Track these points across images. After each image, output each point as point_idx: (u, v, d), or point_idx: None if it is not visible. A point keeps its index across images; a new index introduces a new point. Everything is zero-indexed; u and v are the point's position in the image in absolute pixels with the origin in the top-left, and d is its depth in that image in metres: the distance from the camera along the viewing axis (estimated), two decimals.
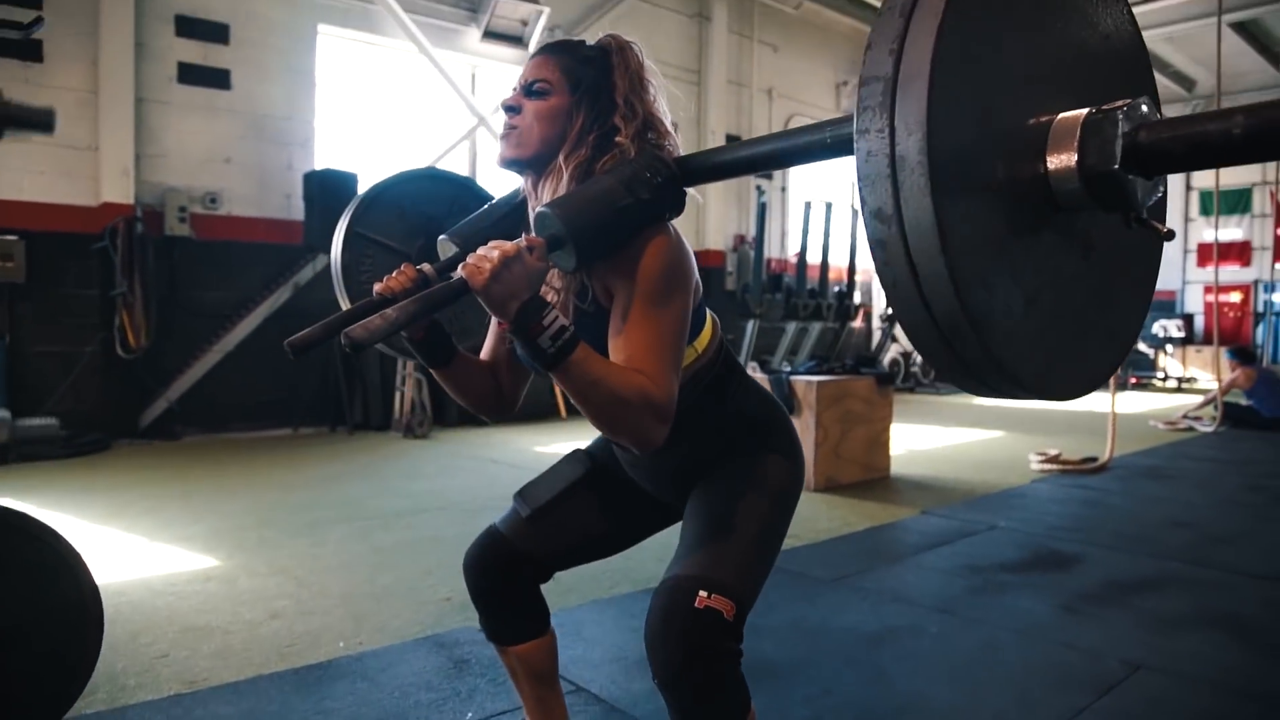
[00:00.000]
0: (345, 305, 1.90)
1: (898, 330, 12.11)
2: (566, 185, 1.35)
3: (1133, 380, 13.93)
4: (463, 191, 2.04)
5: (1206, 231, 16.53)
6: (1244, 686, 2.36)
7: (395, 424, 7.37)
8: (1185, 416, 8.54)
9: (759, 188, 11.36)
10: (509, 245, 1.18)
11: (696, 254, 7.87)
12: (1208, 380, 14.47)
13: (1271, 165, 13.58)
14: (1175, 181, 16.89)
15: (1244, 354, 8.78)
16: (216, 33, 7.30)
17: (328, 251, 7.12)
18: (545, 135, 1.38)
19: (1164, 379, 14.70)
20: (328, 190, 7.17)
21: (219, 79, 7.34)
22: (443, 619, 2.81)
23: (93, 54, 6.66)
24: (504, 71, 9.11)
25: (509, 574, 1.61)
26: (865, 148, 0.86)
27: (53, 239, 6.54)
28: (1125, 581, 3.27)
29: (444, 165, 8.58)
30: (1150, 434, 7.82)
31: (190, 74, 7.20)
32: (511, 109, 1.40)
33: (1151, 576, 3.35)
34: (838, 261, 10.94)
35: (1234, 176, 15.47)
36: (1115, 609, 2.98)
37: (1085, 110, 0.93)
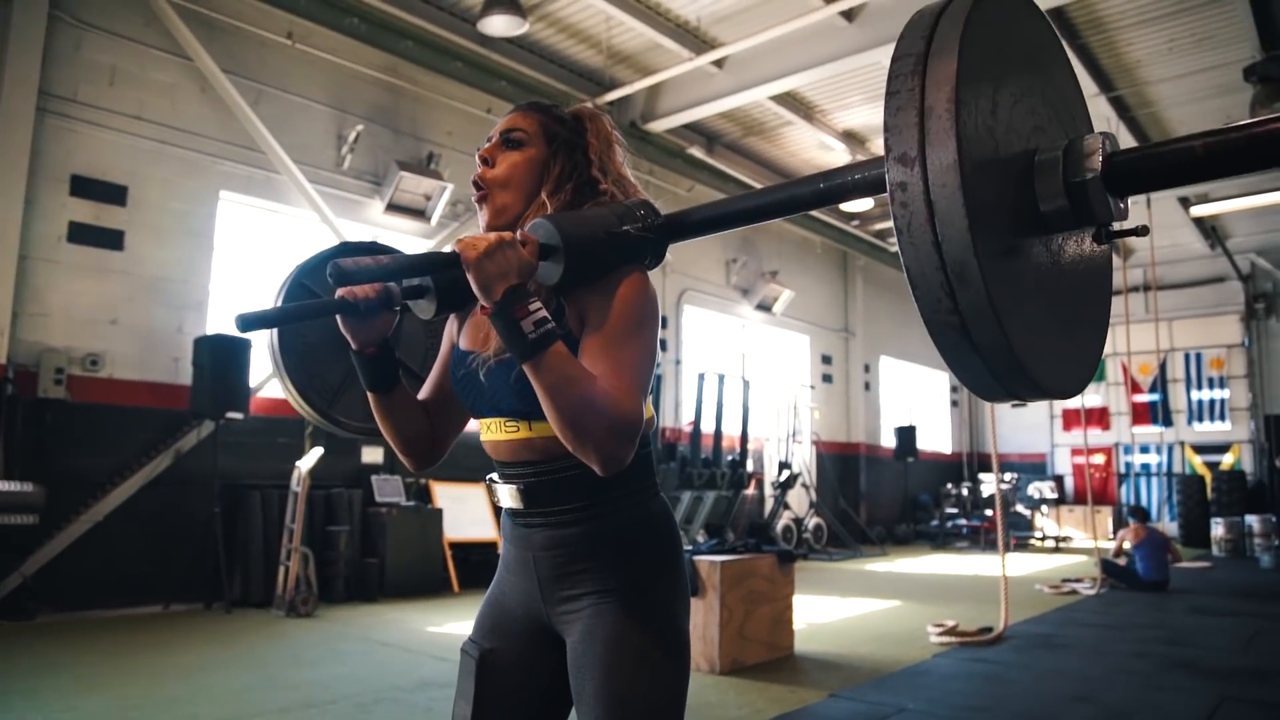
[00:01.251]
0: (275, 353, 1.73)
1: (789, 497, 12.32)
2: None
3: (1013, 541, 14.44)
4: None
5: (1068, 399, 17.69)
6: None
7: (277, 600, 6.91)
8: (1066, 580, 8.88)
9: None
10: (505, 234, 1.19)
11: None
12: (1082, 539, 15.14)
13: (1121, 339, 14.84)
14: None
15: (1140, 513, 9.40)
16: (113, 194, 7.20)
17: (215, 418, 6.93)
18: (523, 185, 1.39)
19: (1042, 538, 15.30)
20: (219, 355, 6.96)
21: (112, 240, 7.18)
22: None
23: None
24: (405, 242, 9.23)
25: None
26: (895, 105, 0.97)
27: None
28: None
29: None
30: (1036, 599, 8.04)
31: (81, 234, 7.02)
32: (485, 160, 1.41)
33: None
34: (730, 430, 11.17)
35: None
36: None
37: (1065, 141, 1.08)
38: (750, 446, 11.53)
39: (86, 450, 6.89)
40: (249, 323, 1.21)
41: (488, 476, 1.47)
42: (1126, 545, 8.83)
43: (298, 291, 1.75)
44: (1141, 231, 1.11)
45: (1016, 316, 0.99)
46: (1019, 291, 1.02)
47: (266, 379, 7.83)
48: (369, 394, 1.44)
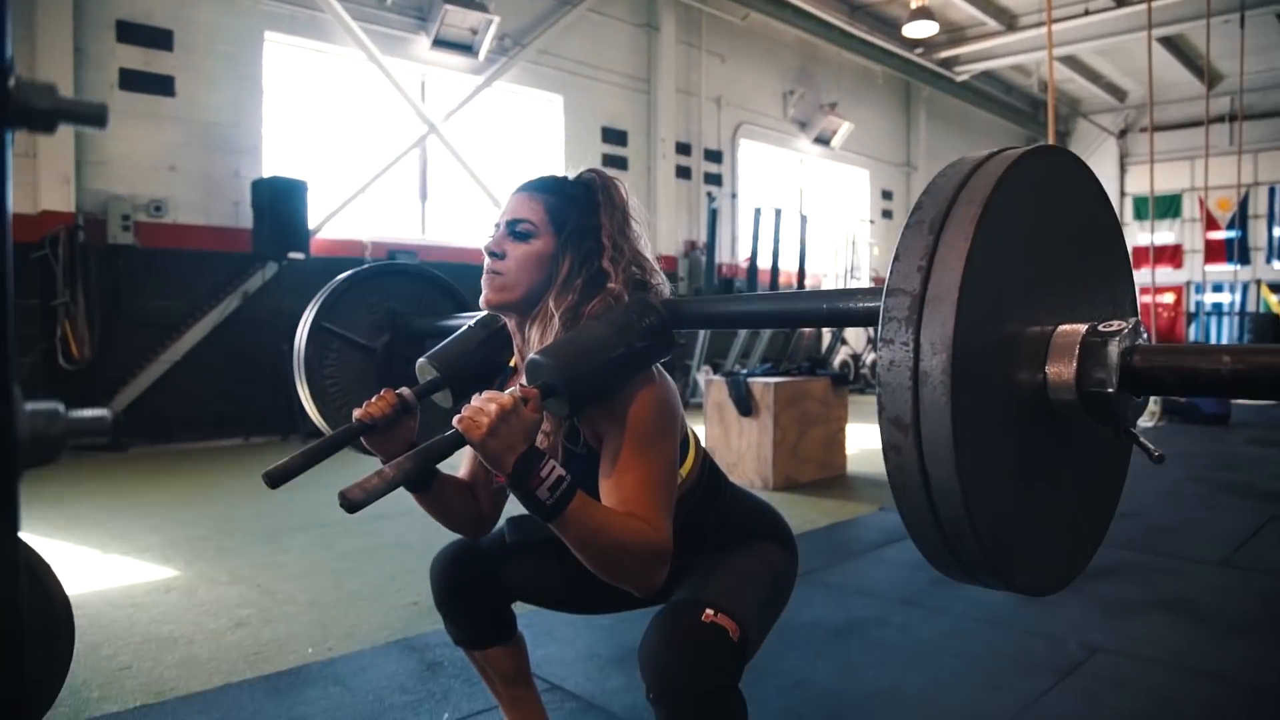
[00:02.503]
0: (306, 398, 1.90)
1: (847, 333, 12.31)
2: (556, 331, 1.34)
3: None
4: (428, 286, 2.05)
5: (1141, 235, 17.08)
6: (1196, 664, 2.46)
7: None
8: None
9: (710, 194, 11.46)
10: (505, 398, 1.17)
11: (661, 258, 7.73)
12: None
13: (1199, 172, 14.11)
14: (1109, 186, 17.42)
15: None
16: (160, 39, 7.16)
17: (278, 259, 7.12)
18: (531, 280, 1.37)
19: None
20: (277, 197, 7.07)
21: (163, 85, 7.20)
22: (412, 623, 2.79)
23: (29, 60, 6.48)
24: (453, 79, 9.07)
25: (478, 584, 1.61)
26: (889, 357, 0.90)
27: None
28: None
29: (394, 173, 8.53)
30: None
31: (133, 80, 7.05)
32: (494, 254, 1.38)
33: (1104, 565, 3.45)
34: (788, 266, 11.08)
35: (1165, 182, 15.99)
36: (1072, 596, 3.06)
37: (1084, 327, 0.99)
38: (807, 282, 11.45)
39: (159, 294, 7.15)
40: (275, 479, 1.26)
41: None
42: None
43: (319, 334, 1.84)
44: (1158, 460, 1.06)
45: (1015, 556, 0.98)
46: (1019, 527, 0.99)
47: (326, 219, 7.96)
48: (412, 494, 1.46)
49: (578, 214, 1.38)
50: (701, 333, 9.72)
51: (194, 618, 2.84)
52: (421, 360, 1.53)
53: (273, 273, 7.43)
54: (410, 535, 3.89)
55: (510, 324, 1.45)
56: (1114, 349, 0.95)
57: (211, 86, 7.45)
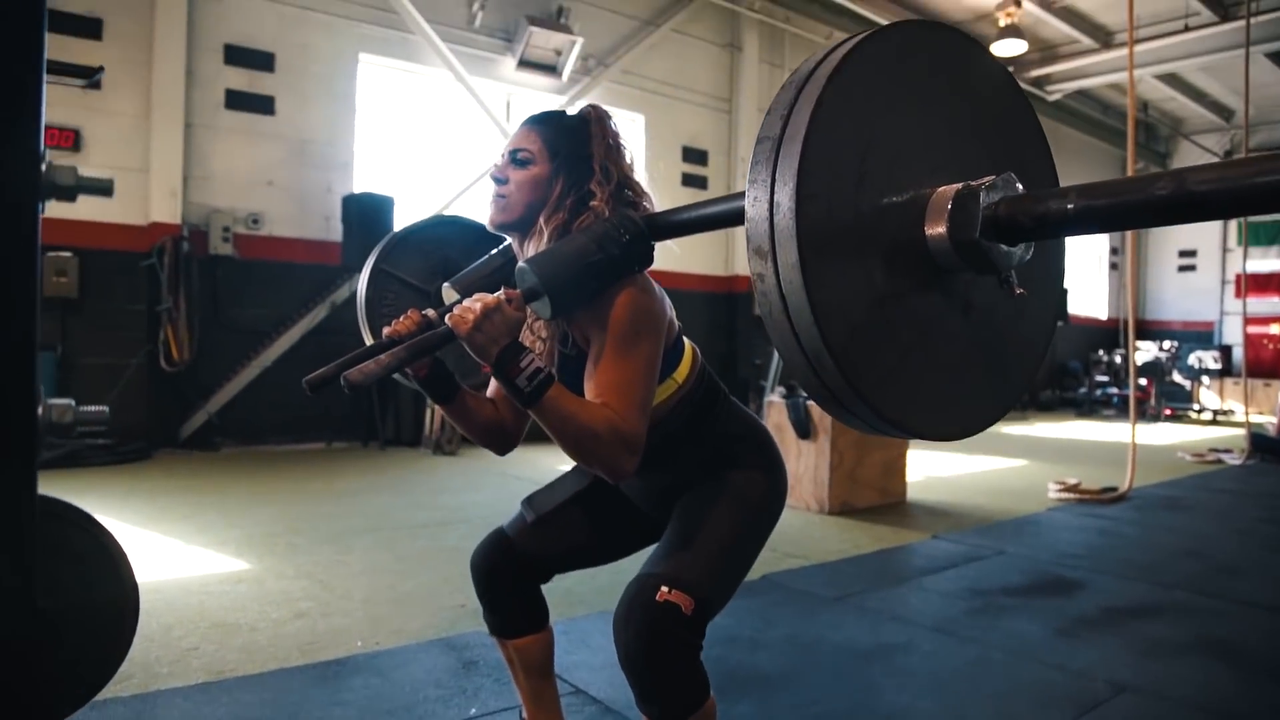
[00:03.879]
0: (367, 334, 2.08)
1: None
2: (546, 244, 1.50)
3: (1167, 411, 13.78)
4: (478, 237, 2.21)
5: (1247, 263, 16.36)
6: (1226, 709, 2.42)
7: (425, 440, 7.56)
8: (1212, 450, 8.51)
9: None
10: (490, 298, 1.35)
11: (726, 279, 8.06)
12: (1243, 414, 14.26)
13: None
14: None
15: None
16: (263, 61, 7.62)
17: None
18: (528, 201, 1.54)
19: (1199, 411, 14.50)
20: (365, 213, 7.42)
21: (264, 105, 7.65)
22: (456, 623, 2.95)
23: (146, 81, 6.99)
24: (537, 98, 9.35)
25: (511, 572, 1.76)
26: (752, 194, 1.01)
27: (104, 256, 6.85)
28: (1125, 608, 3.33)
29: (477, 189, 8.82)
30: (1175, 465, 7.78)
31: (237, 100, 7.52)
32: (498, 179, 1.56)
33: (1152, 604, 3.40)
34: None
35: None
36: (1110, 634, 3.04)
37: (958, 185, 1.07)
38: None
39: (254, 302, 7.58)
40: (315, 386, 1.44)
41: None
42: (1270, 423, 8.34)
43: (379, 278, 1.98)
44: (1018, 296, 1.11)
45: (884, 386, 1.04)
46: (889, 358, 1.06)
47: None
48: (437, 406, 1.64)
49: (571, 142, 1.55)
50: (775, 357, 9.75)
51: (259, 607, 3.06)
52: (446, 284, 1.69)
53: None
54: (469, 541, 4.07)
55: (514, 244, 1.63)
56: (980, 202, 1.04)
57: (308, 105, 7.88)
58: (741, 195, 1.44)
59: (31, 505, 0.58)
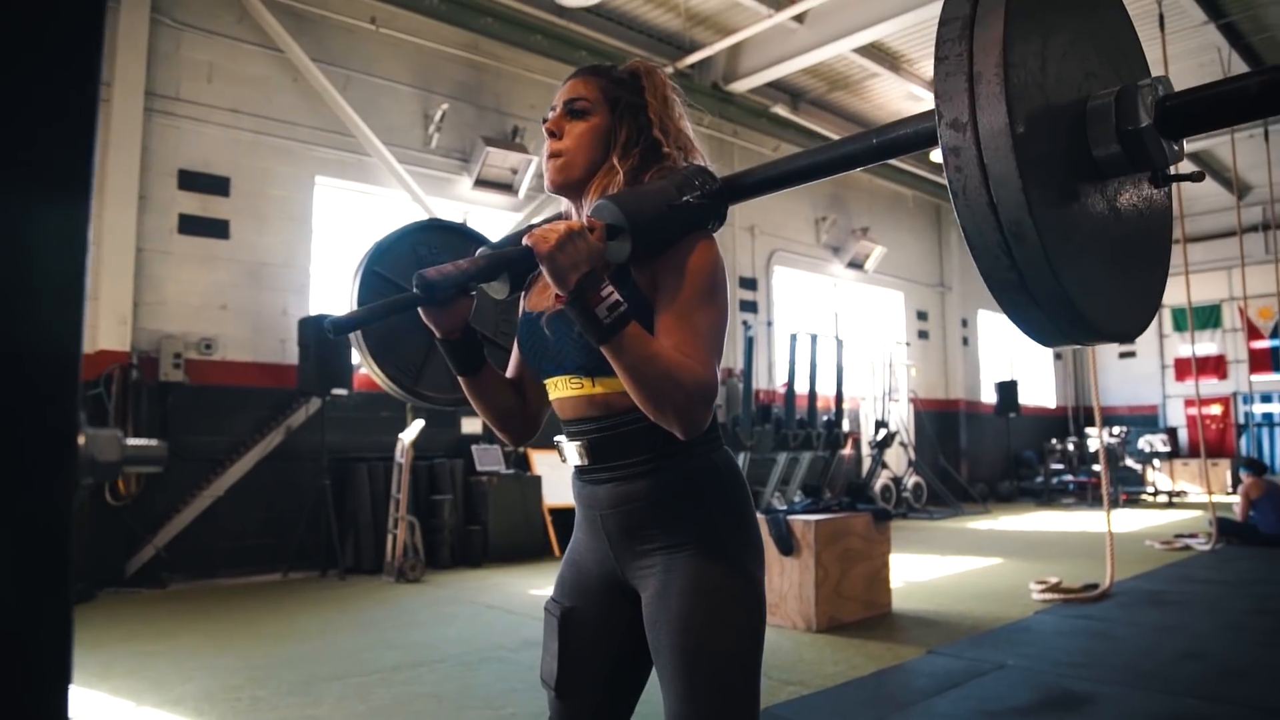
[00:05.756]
0: (356, 340, 1.88)
1: (887, 456, 12.16)
2: (617, 187, 1.39)
3: (1123, 497, 13.93)
4: (472, 242, 2.12)
5: (1182, 347, 16.92)
6: None
7: (387, 567, 7.24)
8: (1179, 536, 8.56)
9: (745, 323, 11.59)
10: (574, 222, 1.24)
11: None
12: (1197, 493, 14.48)
13: (1237, 282, 14.05)
14: None
15: (1256, 465, 9.04)
16: (217, 185, 7.56)
17: (322, 395, 7.26)
18: (591, 157, 1.43)
19: (1154, 494, 14.70)
20: (322, 335, 7.28)
21: (218, 229, 7.55)
22: None
23: (97, 206, 6.84)
24: (494, 215, 9.41)
25: None
26: (944, 71, 0.98)
27: None
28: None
29: None
30: (1147, 555, 7.78)
31: (191, 224, 7.41)
32: (553, 133, 1.45)
33: (1168, 716, 3.29)
34: (825, 390, 11.07)
35: (1202, 293, 15.89)
36: None
37: (1119, 85, 1.06)
38: (846, 406, 11.41)
39: (205, 428, 7.31)
40: (340, 327, 1.30)
41: (555, 438, 1.51)
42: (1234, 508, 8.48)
43: (371, 279, 1.88)
44: (1197, 177, 1.09)
45: (1073, 267, 0.99)
46: (1075, 241, 1.01)
47: None
48: (459, 378, 1.50)
49: (629, 93, 1.45)
50: (741, 460, 9.68)
51: None
52: (482, 249, 1.51)
53: (316, 408, 7.58)
54: (446, 687, 3.82)
55: (569, 203, 1.50)
56: (1150, 94, 1.02)
57: (264, 229, 7.80)
58: (825, 148, 1.39)
59: (65, 559, 0.45)
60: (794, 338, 10.72)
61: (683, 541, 1.36)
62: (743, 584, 1.36)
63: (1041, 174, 0.96)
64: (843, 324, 12.75)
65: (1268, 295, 13.82)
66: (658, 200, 1.31)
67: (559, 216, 1.55)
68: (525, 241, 1.25)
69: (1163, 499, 14.39)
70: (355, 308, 1.88)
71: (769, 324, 12.17)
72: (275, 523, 7.43)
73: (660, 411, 1.25)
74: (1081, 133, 1.05)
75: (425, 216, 8.43)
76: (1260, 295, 14.70)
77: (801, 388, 10.69)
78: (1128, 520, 11.01)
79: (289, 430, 7.61)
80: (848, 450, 11.88)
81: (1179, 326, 17.30)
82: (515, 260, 1.31)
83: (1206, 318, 17.22)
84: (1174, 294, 15.76)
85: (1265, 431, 16.98)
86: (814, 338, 10.84)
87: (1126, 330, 1.11)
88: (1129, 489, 14.58)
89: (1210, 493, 8.51)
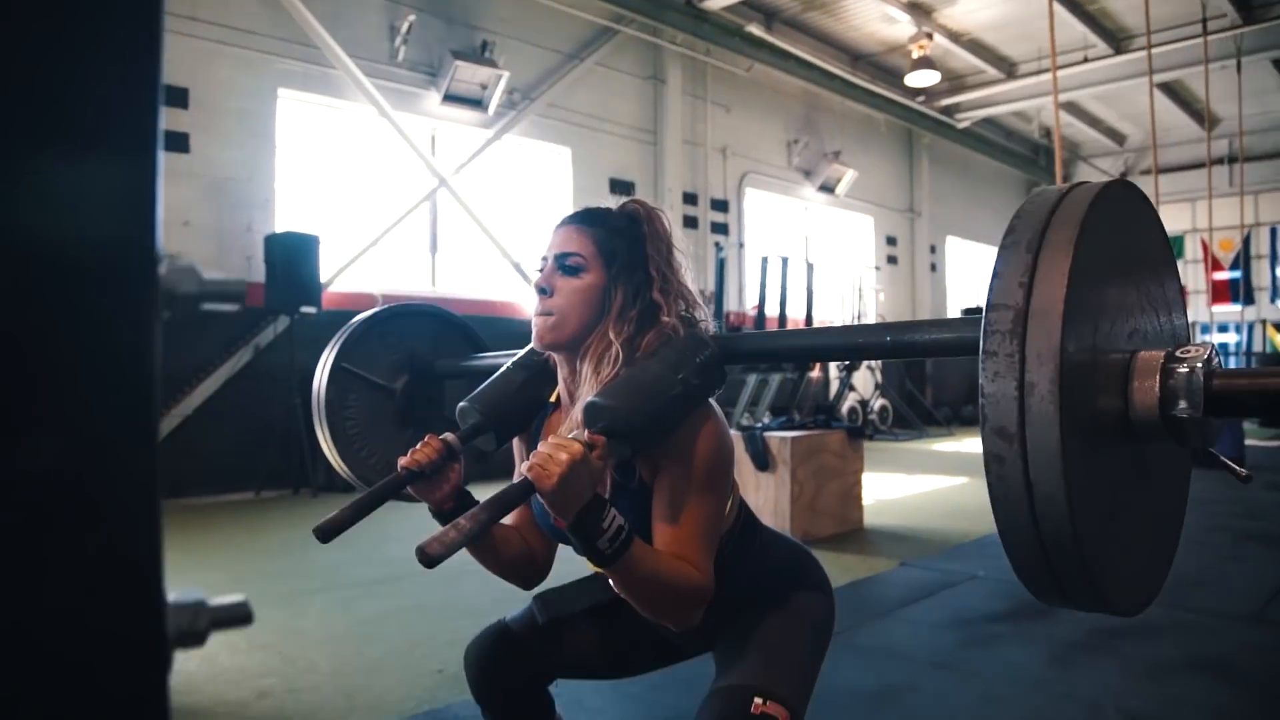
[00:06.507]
0: (324, 436, 1.90)
1: (854, 379, 12.30)
2: (613, 362, 1.32)
3: None
4: (445, 326, 2.07)
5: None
6: None
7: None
8: None
9: (717, 244, 11.53)
10: (575, 446, 1.16)
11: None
12: None
13: (1202, 212, 14.24)
14: None
15: None
16: (175, 97, 7.27)
17: (290, 313, 7.14)
18: (584, 317, 1.35)
19: None
20: (289, 252, 7.12)
21: (178, 142, 7.29)
22: (437, 692, 2.75)
23: None
24: (463, 133, 9.19)
25: (514, 671, 1.57)
26: (993, 369, 0.92)
27: None
28: (1109, 627, 3.32)
29: (404, 226, 8.60)
30: None
31: None
32: (543, 290, 1.36)
33: (1132, 622, 3.40)
34: (795, 313, 11.11)
35: (1166, 224, 16.03)
36: (1105, 657, 3.03)
37: (1162, 352, 1.01)
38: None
39: (171, 348, 7.11)
40: (327, 534, 1.27)
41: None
42: None
43: (339, 376, 1.86)
44: (1246, 480, 1.08)
45: (1112, 572, 0.98)
46: (1112, 538, 1.00)
47: (338, 273, 8.02)
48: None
49: (626, 246, 1.37)
50: (750, 380, 9.76)
51: (216, 688, 2.80)
52: (463, 404, 1.50)
53: (284, 326, 7.46)
54: (429, 597, 3.85)
55: (559, 360, 1.43)
56: (1197, 374, 0.98)
57: (225, 143, 7.55)
58: (833, 331, 1.37)
59: None
60: (765, 260, 10.71)
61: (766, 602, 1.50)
62: (807, 614, 1.50)
63: (1088, 488, 0.93)
64: (813, 248, 12.74)
65: (1231, 227, 14.01)
66: (656, 394, 1.24)
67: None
68: (526, 474, 1.17)
69: None
70: (322, 411, 1.88)
71: (740, 246, 12.12)
72: (246, 442, 7.36)
73: (655, 617, 1.28)
74: (1124, 400, 1.01)
75: (393, 132, 8.22)
76: (1224, 228, 14.90)
77: (772, 310, 10.71)
78: None
79: (257, 349, 7.50)
80: (815, 373, 11.99)
81: None
82: (516, 501, 1.20)
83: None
84: None
85: (1222, 361, 17.37)
86: (785, 261, 10.83)
87: (1145, 603, 1.10)
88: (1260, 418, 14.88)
89: None
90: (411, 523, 1.32)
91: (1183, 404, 0.97)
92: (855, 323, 12.70)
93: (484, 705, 1.60)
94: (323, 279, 7.49)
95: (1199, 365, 0.98)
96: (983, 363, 0.92)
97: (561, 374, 1.43)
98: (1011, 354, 0.90)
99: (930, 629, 3.37)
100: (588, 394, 1.29)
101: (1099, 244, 0.96)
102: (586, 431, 1.21)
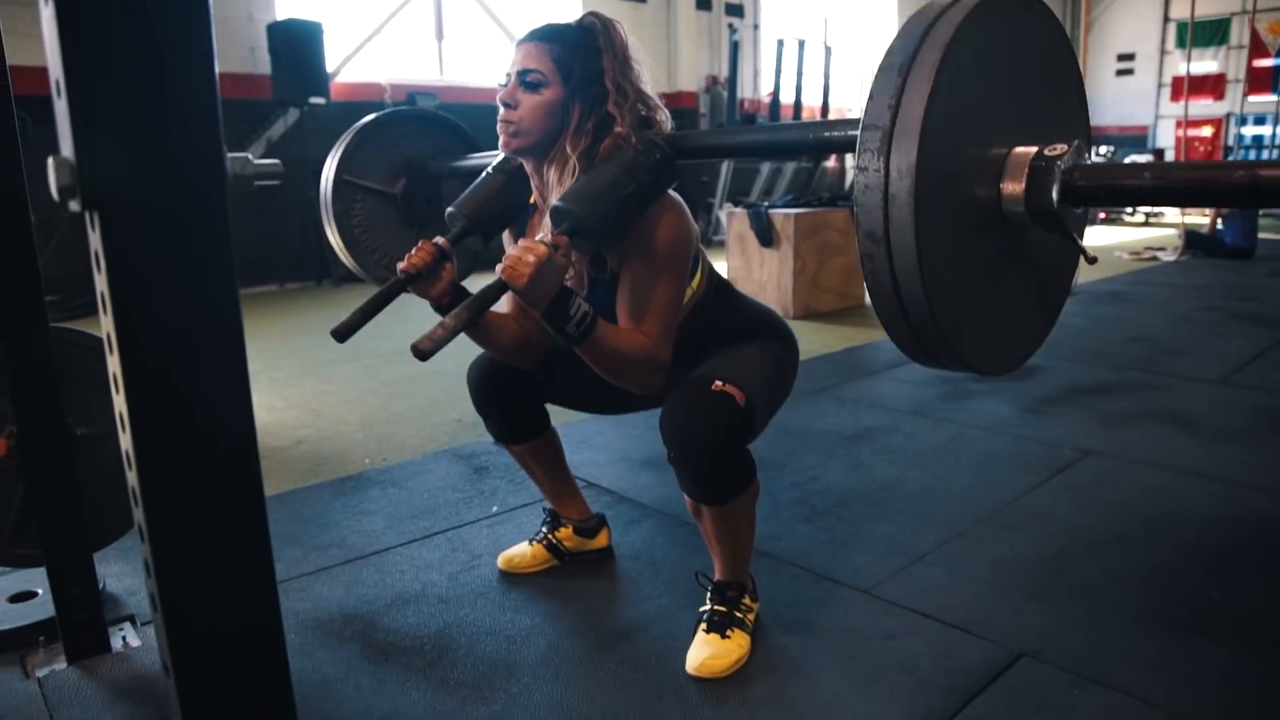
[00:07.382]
0: (337, 244, 2.08)
1: None
2: (573, 170, 1.47)
3: (1102, 215, 14.12)
4: (437, 128, 2.17)
5: (1182, 65, 16.38)
6: (1182, 465, 2.65)
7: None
8: (1149, 249, 8.83)
9: (731, 26, 11.10)
10: (541, 248, 1.34)
11: (668, 95, 7.84)
12: (1175, 215, 14.68)
13: None
14: (1153, 11, 16.61)
15: None
16: None
17: (299, 105, 7.11)
18: (544, 127, 1.49)
19: (1132, 213, 14.89)
20: (294, 41, 6.99)
21: None
22: (457, 436, 3.04)
23: None
24: None
25: (512, 383, 1.80)
26: (864, 181, 1.05)
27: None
28: (1083, 387, 3.55)
29: (409, 12, 8.34)
30: (1114, 264, 8.07)
31: None
32: (507, 104, 1.49)
33: (1107, 382, 3.63)
34: (811, 101, 10.86)
35: (1212, 6, 15.23)
36: (1072, 409, 3.26)
37: (1034, 150, 1.13)
38: (831, 117, 11.24)
39: None
40: (342, 335, 1.45)
41: None
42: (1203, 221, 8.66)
43: (341, 188, 2.02)
44: (1091, 261, 1.18)
45: (967, 339, 1.14)
46: (973, 318, 1.15)
47: (344, 62, 7.89)
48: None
49: (583, 59, 1.48)
50: (723, 171, 9.70)
51: (258, 438, 3.10)
52: (450, 210, 1.67)
53: (295, 119, 7.43)
54: (448, 363, 4.06)
55: (528, 165, 1.58)
56: (1058, 169, 1.11)
57: None
58: (769, 128, 1.45)
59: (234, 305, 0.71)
60: (780, 44, 10.35)
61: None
62: (780, 348, 1.72)
63: (946, 280, 1.08)
64: (832, 31, 12.25)
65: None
66: (609, 194, 1.41)
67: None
68: (499, 274, 1.34)
69: (1139, 218, 14.60)
70: (331, 222, 2.04)
71: (755, 28, 11.66)
72: (266, 236, 7.52)
73: (618, 383, 1.50)
74: (996, 193, 1.13)
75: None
76: (1271, 9, 14.07)
77: (787, 97, 10.47)
78: (1104, 236, 11.27)
79: (269, 143, 7.50)
80: (831, 162, 11.86)
81: (1180, 43, 16.64)
82: (492, 298, 1.37)
83: (1212, 33, 16.51)
84: (1180, 7, 14.95)
85: (1253, 154, 16.84)
86: (801, 44, 10.46)
87: (1010, 367, 1.29)
88: (1109, 208, 14.73)
89: (1185, 213, 8.65)
90: (424, 304, 1.50)
91: (1045, 195, 1.12)
92: None
93: (488, 417, 1.85)
94: (329, 69, 7.39)
95: (1061, 162, 1.12)
96: (855, 178, 1.07)
97: (533, 180, 1.59)
98: (879, 169, 1.04)
99: (914, 386, 3.61)
100: (555, 199, 1.46)
101: (971, 60, 1.08)
102: (552, 233, 1.40)
